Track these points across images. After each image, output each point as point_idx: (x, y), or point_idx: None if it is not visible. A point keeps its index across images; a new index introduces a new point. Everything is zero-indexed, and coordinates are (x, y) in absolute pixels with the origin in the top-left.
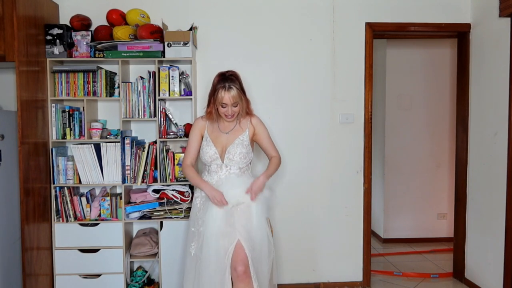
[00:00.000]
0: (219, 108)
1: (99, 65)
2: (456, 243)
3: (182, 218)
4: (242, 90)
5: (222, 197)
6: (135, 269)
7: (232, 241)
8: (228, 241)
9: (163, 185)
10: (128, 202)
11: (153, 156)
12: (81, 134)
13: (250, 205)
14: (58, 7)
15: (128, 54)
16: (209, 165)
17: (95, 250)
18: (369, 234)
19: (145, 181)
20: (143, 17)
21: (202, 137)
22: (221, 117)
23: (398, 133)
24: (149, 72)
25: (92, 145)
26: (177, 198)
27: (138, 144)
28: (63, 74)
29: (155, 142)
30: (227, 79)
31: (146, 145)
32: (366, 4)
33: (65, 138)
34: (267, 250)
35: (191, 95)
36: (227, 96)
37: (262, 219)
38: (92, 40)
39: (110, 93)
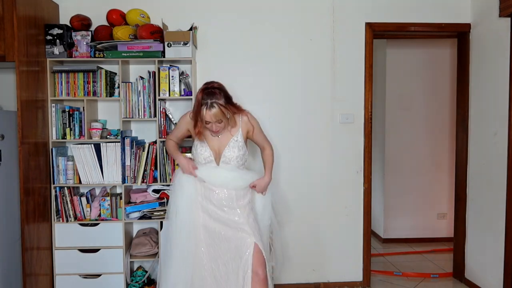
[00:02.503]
0: (203, 123)
1: (99, 65)
2: (456, 243)
3: None
4: (226, 103)
5: (191, 167)
6: (135, 269)
7: (249, 245)
8: (221, 236)
9: (163, 185)
10: (128, 202)
11: (153, 156)
12: (81, 134)
13: (255, 203)
14: (58, 7)
15: (128, 54)
16: (203, 164)
17: (95, 250)
18: (369, 234)
19: (145, 181)
20: (143, 17)
21: (188, 130)
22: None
23: (398, 133)
24: (149, 72)
25: (92, 145)
26: None
27: (138, 144)
28: (63, 74)
29: (155, 142)
30: (209, 94)
31: (146, 145)
32: (366, 4)
33: (65, 138)
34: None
35: (191, 95)
36: (209, 114)
37: (265, 217)
38: (92, 40)
39: (110, 93)
